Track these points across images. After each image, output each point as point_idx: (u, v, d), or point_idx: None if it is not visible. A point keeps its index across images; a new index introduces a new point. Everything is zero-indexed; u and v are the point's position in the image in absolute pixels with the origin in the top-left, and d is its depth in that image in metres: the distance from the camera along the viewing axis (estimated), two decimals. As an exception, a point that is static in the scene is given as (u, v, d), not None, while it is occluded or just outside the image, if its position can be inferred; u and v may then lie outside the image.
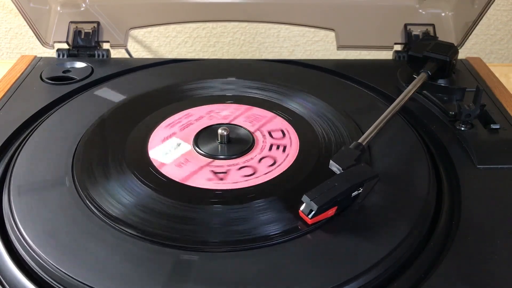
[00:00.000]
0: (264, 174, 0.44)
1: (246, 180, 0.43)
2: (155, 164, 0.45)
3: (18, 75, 0.62)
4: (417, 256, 0.37)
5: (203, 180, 0.43)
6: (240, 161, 0.46)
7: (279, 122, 0.51)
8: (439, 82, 0.57)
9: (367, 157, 0.46)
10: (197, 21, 0.81)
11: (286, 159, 0.46)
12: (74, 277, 0.34)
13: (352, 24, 0.69)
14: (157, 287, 0.33)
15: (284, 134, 0.49)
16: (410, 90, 0.51)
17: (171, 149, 0.45)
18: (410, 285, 0.35)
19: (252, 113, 0.53)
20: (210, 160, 0.46)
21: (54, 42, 0.67)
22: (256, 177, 0.43)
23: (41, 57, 0.66)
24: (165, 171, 0.44)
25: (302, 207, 0.38)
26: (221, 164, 0.45)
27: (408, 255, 0.37)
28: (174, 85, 0.58)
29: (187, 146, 0.47)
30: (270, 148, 0.47)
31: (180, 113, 0.52)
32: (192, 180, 0.43)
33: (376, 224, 0.39)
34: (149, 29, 0.90)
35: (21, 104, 0.55)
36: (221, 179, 0.43)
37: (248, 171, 0.44)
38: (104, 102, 0.55)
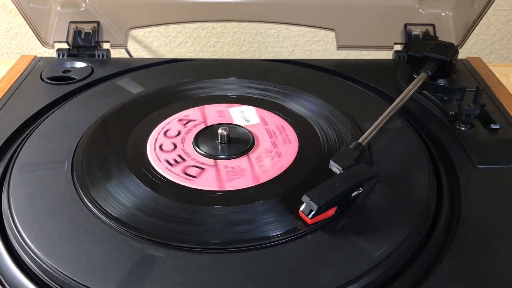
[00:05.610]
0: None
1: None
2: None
3: (18, 75, 0.62)
4: (417, 256, 0.37)
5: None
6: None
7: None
8: (439, 82, 0.57)
9: (367, 157, 0.46)
10: (197, 21, 0.81)
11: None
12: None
13: (352, 24, 0.69)
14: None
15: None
16: (410, 90, 0.51)
17: (242, 117, 0.46)
18: (410, 285, 0.35)
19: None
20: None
21: (54, 42, 0.67)
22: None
23: (41, 57, 0.66)
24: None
25: (302, 207, 0.38)
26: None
27: (408, 255, 0.37)
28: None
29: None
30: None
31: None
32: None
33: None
34: (149, 29, 0.90)
35: (21, 104, 0.55)
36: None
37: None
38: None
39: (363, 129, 0.49)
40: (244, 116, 0.47)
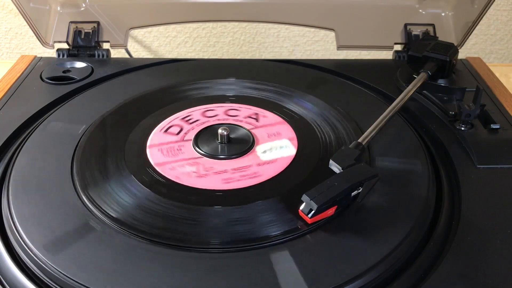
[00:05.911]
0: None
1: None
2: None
3: (18, 75, 0.62)
4: (417, 256, 0.37)
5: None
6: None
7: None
8: (439, 82, 0.57)
9: (367, 156, 0.46)
10: (197, 21, 0.81)
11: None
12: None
13: (352, 24, 0.69)
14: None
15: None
16: (410, 90, 0.51)
17: (273, 148, 0.46)
18: (410, 285, 0.35)
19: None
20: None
21: (54, 42, 0.67)
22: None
23: (41, 57, 0.66)
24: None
25: (302, 207, 0.38)
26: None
27: (408, 255, 0.37)
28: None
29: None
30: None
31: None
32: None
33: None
34: (149, 29, 0.90)
35: (21, 104, 0.55)
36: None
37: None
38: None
39: (363, 129, 0.49)
40: (272, 151, 0.45)
